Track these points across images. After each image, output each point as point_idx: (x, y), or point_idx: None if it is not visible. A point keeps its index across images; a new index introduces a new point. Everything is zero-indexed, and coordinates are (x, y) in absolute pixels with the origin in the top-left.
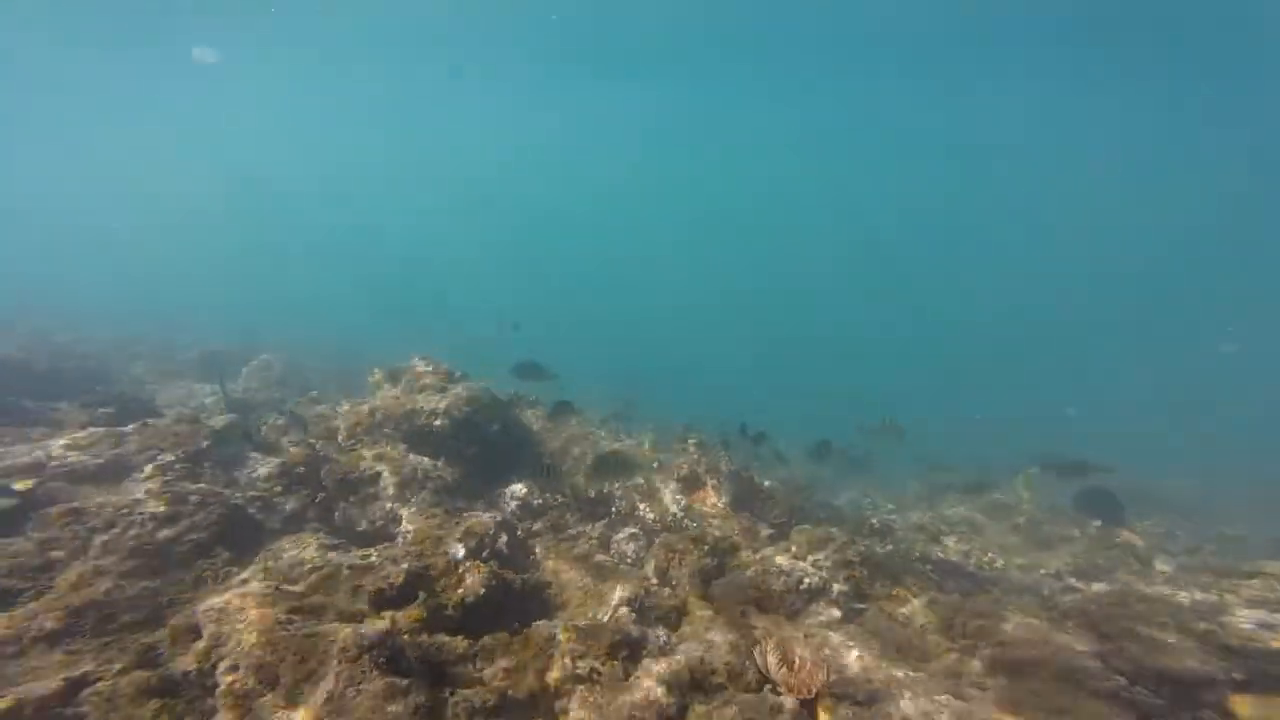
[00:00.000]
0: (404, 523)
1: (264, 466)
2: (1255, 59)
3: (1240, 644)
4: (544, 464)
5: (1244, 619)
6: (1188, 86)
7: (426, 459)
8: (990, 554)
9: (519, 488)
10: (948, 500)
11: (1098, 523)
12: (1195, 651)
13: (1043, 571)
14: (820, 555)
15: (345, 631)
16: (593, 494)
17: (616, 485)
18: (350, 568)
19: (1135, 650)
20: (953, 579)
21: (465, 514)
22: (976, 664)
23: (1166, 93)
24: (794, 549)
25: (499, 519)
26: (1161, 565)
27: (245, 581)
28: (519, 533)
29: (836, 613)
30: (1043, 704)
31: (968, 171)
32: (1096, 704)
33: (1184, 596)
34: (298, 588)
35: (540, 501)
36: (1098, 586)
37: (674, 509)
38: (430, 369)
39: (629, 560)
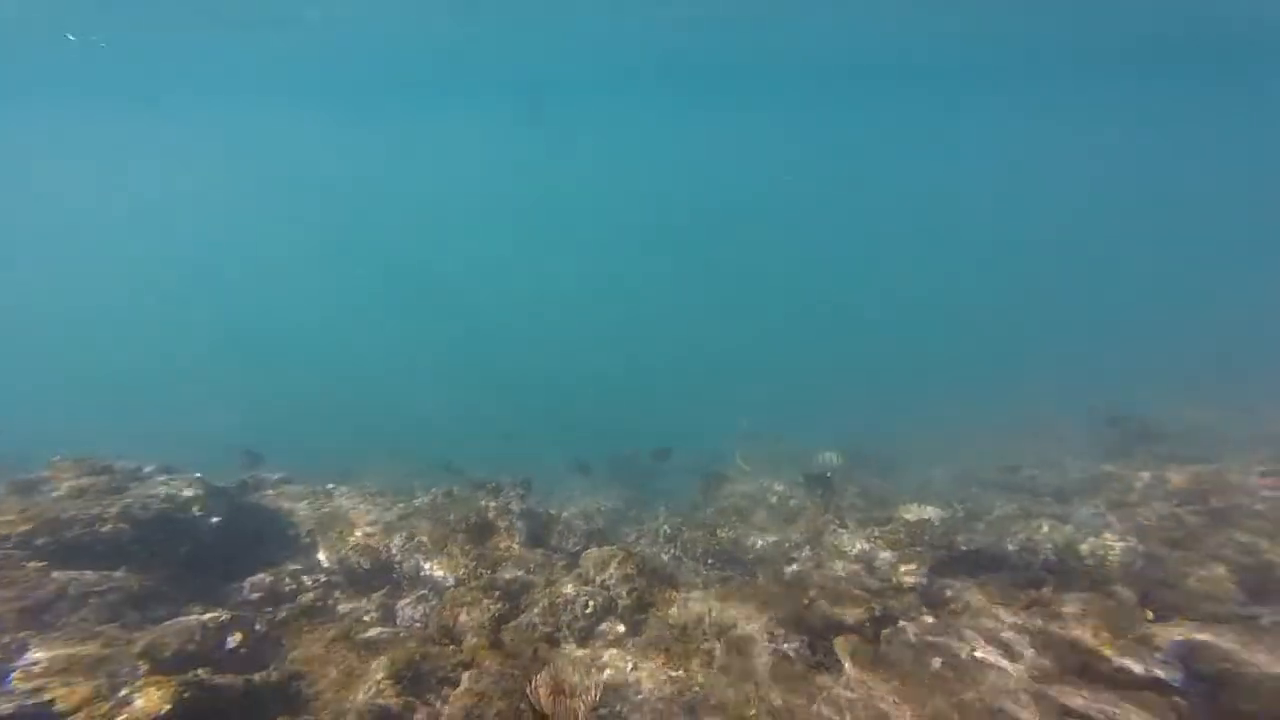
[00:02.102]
0: (33, 652)
1: None
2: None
3: (878, 585)
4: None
5: (883, 562)
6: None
7: (90, 572)
8: (752, 537)
9: (263, 577)
10: (722, 492)
11: (820, 493)
12: (856, 599)
13: (786, 545)
14: (605, 575)
15: None
16: (367, 565)
17: (394, 547)
18: None
19: (822, 608)
20: (730, 566)
21: (161, 624)
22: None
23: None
24: (582, 574)
25: (222, 618)
26: (850, 523)
27: None
28: (259, 626)
29: (622, 628)
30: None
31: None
32: (789, 666)
33: (858, 549)
34: None
35: (293, 586)
36: (807, 552)
37: (465, 560)
38: (85, 469)
39: (418, 624)
